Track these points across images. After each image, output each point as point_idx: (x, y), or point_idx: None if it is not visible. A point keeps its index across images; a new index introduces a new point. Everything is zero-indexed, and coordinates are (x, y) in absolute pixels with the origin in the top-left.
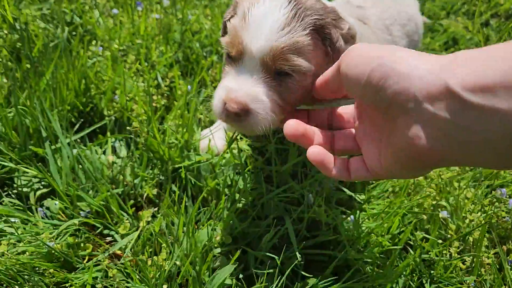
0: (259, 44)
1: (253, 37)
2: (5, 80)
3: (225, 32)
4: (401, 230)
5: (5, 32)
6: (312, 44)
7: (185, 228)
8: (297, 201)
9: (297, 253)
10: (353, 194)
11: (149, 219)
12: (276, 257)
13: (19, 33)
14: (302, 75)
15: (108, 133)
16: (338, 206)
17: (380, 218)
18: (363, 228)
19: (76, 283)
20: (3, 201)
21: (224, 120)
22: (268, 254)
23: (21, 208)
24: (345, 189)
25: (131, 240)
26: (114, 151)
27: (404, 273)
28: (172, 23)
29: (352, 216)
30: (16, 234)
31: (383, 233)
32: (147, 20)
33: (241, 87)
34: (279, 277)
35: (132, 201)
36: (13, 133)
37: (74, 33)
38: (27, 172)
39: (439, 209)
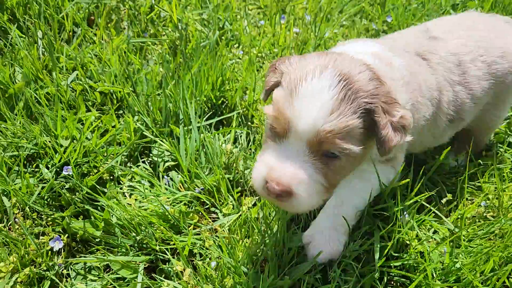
0: (306, 126)
1: (301, 117)
2: (160, 69)
3: (267, 97)
4: (496, 272)
5: (169, 30)
6: (362, 127)
7: (280, 222)
8: (388, 220)
9: (378, 268)
10: (452, 227)
11: (250, 205)
12: (356, 265)
13: (180, 32)
14: (351, 158)
15: (233, 125)
16: (432, 233)
17: (477, 257)
18: (455, 262)
19: (178, 244)
20: (139, 165)
21: (265, 198)
22: (351, 262)
23: (151, 173)
24: (446, 220)
25: (231, 220)
26: (234, 141)
27: None
28: (309, 38)
29: (445, 248)
30: (143, 192)
31: (475, 272)
32: (287, 33)
33: (285, 169)
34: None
35: (239, 188)
36: (157, 112)
37: (222, 37)
38: (162, 145)
39: None
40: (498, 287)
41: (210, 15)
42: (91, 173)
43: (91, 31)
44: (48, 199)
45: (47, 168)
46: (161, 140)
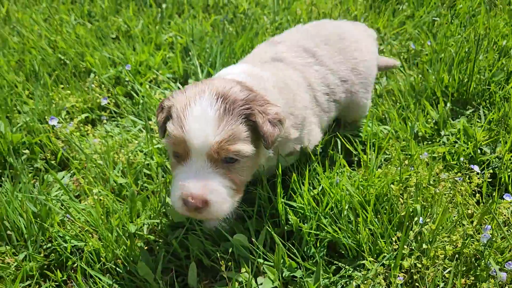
0: (201, 143)
1: (195, 137)
2: None
3: (163, 134)
4: None
5: None
6: (248, 130)
7: None
8: None
9: None
10: None
11: None
12: None
13: None
14: (247, 158)
15: None
16: None
17: None
18: None
19: None
20: None
21: (186, 215)
22: None
23: None
24: None
25: None
26: None
27: None
28: None
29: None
30: None
31: None
32: None
33: (195, 183)
34: None
35: None
36: None
37: None
38: None
39: None
40: None
41: None
42: None
43: None
44: None
45: None
46: None
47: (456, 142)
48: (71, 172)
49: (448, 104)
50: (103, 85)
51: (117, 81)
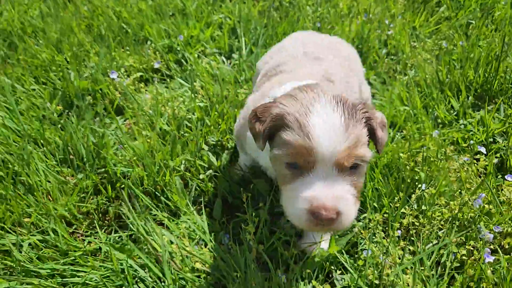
0: (332, 149)
1: (323, 144)
2: None
3: (264, 143)
4: None
5: None
6: (368, 135)
7: None
8: None
9: None
10: None
11: None
12: None
13: None
14: (366, 163)
15: None
16: None
17: None
18: None
19: None
20: None
21: (311, 229)
22: None
23: None
24: None
25: None
26: None
27: None
28: None
29: None
30: None
31: None
32: None
33: (327, 193)
34: None
35: None
36: None
37: None
38: None
39: None
40: None
41: None
42: None
43: None
44: None
45: None
46: None
47: (471, 130)
48: (125, 118)
49: (470, 98)
50: (157, 52)
51: (170, 49)
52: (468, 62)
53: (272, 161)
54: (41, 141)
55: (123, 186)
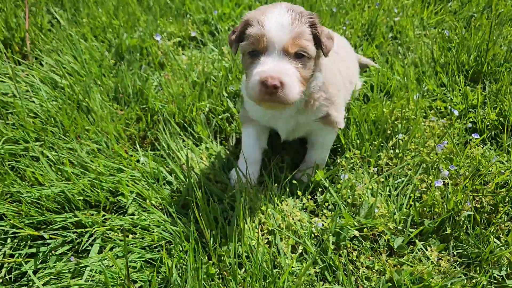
0: (281, 37)
1: (275, 33)
2: None
3: (236, 50)
4: None
5: None
6: (310, 34)
7: None
8: None
9: None
10: None
11: None
12: None
13: None
14: (309, 57)
15: None
16: None
17: None
18: None
19: None
20: None
21: (262, 99)
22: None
23: None
24: None
25: None
26: None
27: None
28: None
29: None
30: None
31: None
32: None
33: (274, 67)
34: None
35: None
36: None
37: None
38: None
39: None
40: None
41: None
42: None
43: None
44: None
45: None
46: None
47: (455, 102)
48: (165, 72)
49: (461, 77)
50: (194, 24)
51: (205, 22)
52: (461, 46)
53: (241, 58)
54: (99, 82)
55: (159, 118)
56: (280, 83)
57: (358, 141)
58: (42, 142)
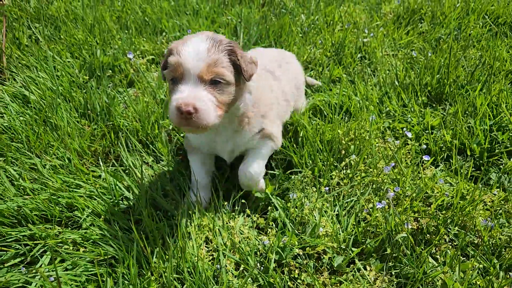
0: (195, 65)
1: (190, 62)
2: None
3: (165, 68)
4: None
5: None
6: (228, 61)
7: None
8: None
9: None
10: None
11: None
12: None
13: None
14: (227, 83)
15: None
16: None
17: None
18: None
19: None
20: None
21: (179, 123)
22: None
23: None
24: None
25: None
26: None
27: None
28: None
29: None
30: None
31: None
32: None
33: (188, 94)
34: None
35: None
36: None
37: None
38: None
39: None
40: None
41: None
42: None
43: None
44: None
45: None
46: None
47: (413, 123)
48: (135, 88)
49: (424, 98)
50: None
51: None
52: (424, 68)
53: (167, 85)
54: (69, 97)
55: (123, 135)
56: (194, 109)
57: (310, 162)
58: (5, 158)
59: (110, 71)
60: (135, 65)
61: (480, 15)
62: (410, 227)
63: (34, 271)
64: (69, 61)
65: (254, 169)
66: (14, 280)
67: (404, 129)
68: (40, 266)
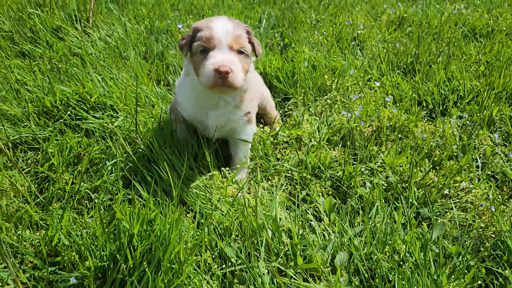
0: (226, 37)
1: (222, 34)
2: None
3: (187, 51)
4: None
5: None
6: (247, 38)
7: None
8: None
9: None
10: None
11: None
12: None
13: None
14: (247, 55)
15: None
16: None
17: None
18: None
19: None
20: None
21: (215, 83)
22: None
23: None
24: None
25: None
26: None
27: None
28: None
29: None
30: None
31: None
32: None
33: (224, 58)
34: None
35: None
36: None
37: None
38: None
39: None
40: None
41: None
42: None
43: None
44: None
45: None
46: None
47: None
48: None
49: (399, 71)
50: None
51: None
52: (402, 53)
53: (192, 58)
54: (135, 45)
55: (170, 68)
56: (230, 70)
57: (302, 93)
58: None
59: (164, 35)
60: (183, 33)
61: (457, 25)
62: (365, 128)
63: None
64: (136, 27)
65: (242, 177)
66: None
67: (376, 82)
68: None
